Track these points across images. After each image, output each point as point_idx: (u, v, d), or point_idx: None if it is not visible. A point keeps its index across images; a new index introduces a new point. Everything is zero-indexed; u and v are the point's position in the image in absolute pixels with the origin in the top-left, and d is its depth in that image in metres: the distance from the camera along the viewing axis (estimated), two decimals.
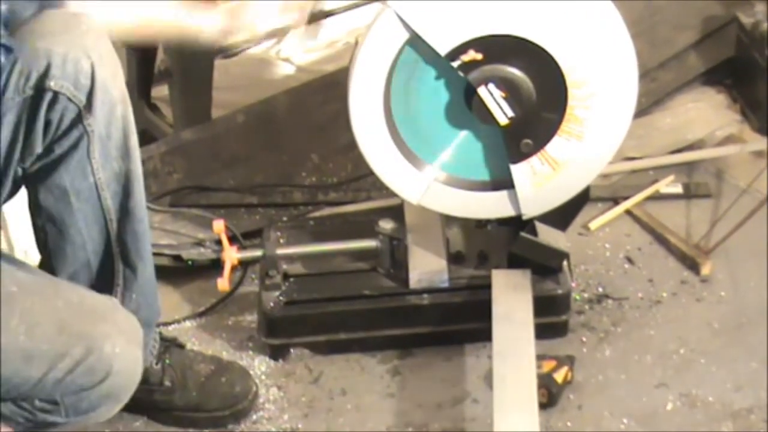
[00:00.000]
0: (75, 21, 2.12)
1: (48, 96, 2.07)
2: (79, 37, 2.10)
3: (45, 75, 2.05)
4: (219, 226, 2.45)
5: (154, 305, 2.32)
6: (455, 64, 2.28)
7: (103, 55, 2.12)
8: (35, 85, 2.05)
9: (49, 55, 2.05)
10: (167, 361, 2.37)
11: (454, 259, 2.53)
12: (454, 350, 2.52)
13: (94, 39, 2.12)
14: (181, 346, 2.43)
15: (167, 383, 2.36)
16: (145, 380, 2.31)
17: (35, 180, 2.14)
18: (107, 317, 1.97)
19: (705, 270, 2.68)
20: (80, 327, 1.93)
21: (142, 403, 2.33)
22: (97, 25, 2.14)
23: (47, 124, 2.09)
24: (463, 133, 2.40)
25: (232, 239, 2.52)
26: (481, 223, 2.58)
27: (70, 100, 2.08)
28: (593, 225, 2.83)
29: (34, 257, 2.30)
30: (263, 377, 2.49)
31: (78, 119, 2.11)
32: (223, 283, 2.46)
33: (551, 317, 2.50)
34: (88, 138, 2.13)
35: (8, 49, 1.98)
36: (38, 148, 2.11)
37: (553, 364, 2.39)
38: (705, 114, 3.17)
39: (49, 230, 2.17)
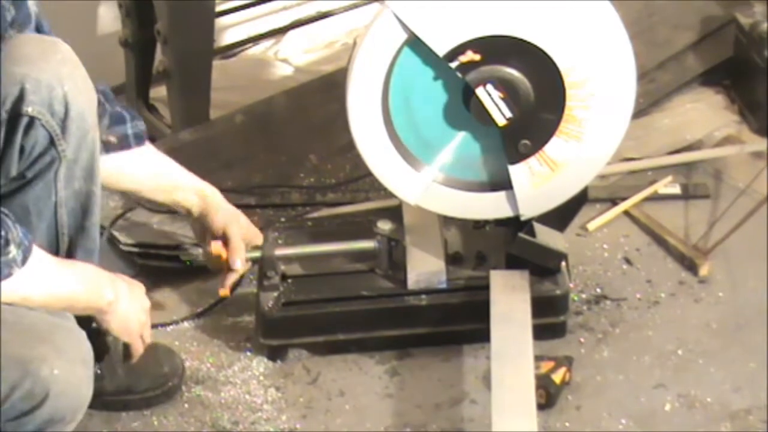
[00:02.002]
0: (52, 48, 2.11)
1: (24, 121, 2.04)
2: (55, 64, 2.08)
3: (20, 100, 2.02)
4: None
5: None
6: (453, 64, 2.28)
7: (78, 84, 2.11)
8: (10, 109, 2.02)
9: (23, 80, 2.02)
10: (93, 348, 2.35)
11: (453, 259, 2.53)
12: (453, 351, 2.52)
13: (71, 68, 2.11)
14: (103, 334, 2.42)
15: (96, 370, 2.33)
16: None
17: None
18: (46, 338, 1.93)
19: (703, 271, 2.68)
20: (16, 349, 1.90)
21: None
22: (73, 54, 2.13)
23: (21, 149, 2.06)
24: (462, 134, 2.40)
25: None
26: (479, 224, 2.58)
27: (44, 126, 2.05)
28: (591, 226, 2.83)
29: None
30: (261, 378, 2.49)
31: (51, 145, 2.09)
32: (224, 289, 2.46)
33: (549, 318, 2.50)
34: (59, 162, 2.11)
35: None
36: (12, 173, 2.08)
37: (551, 364, 2.39)
38: (703, 115, 3.17)
39: None
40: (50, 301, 1.98)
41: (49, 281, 1.98)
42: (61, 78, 2.07)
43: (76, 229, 2.19)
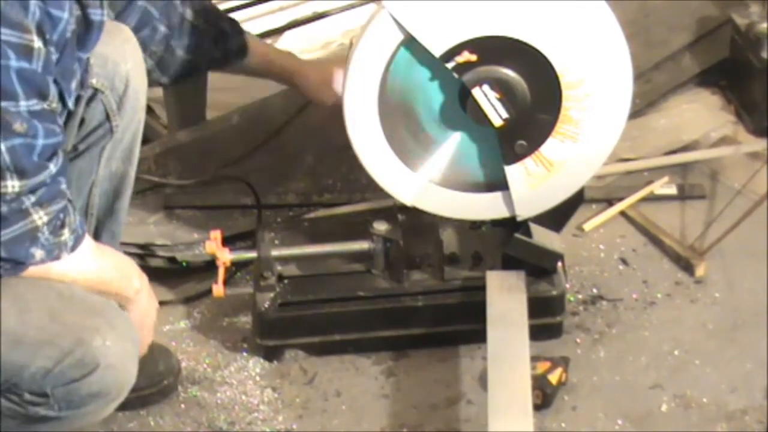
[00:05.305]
0: (116, 29, 2.20)
1: (88, 93, 2.13)
2: (119, 42, 2.18)
3: (86, 73, 2.09)
4: (211, 246, 2.45)
5: None
6: (450, 65, 2.28)
7: (138, 64, 2.21)
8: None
9: (90, 55, 2.08)
10: None
11: (449, 260, 2.53)
12: (449, 351, 2.52)
13: (132, 47, 2.21)
14: None
15: None
16: None
17: None
18: (100, 312, 1.97)
19: (699, 271, 2.68)
20: (71, 318, 1.94)
21: None
22: (133, 36, 2.22)
23: (81, 121, 2.15)
24: (458, 135, 2.40)
25: (226, 241, 2.52)
26: (475, 225, 2.58)
27: (102, 100, 2.14)
28: (588, 226, 2.83)
29: None
30: (258, 378, 2.49)
31: (106, 119, 2.18)
32: (218, 289, 2.45)
33: (546, 318, 2.50)
34: (109, 137, 2.20)
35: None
36: (69, 146, 2.15)
37: (547, 365, 2.39)
38: (699, 115, 3.17)
39: None
40: (90, 284, 2.01)
41: (92, 265, 2.01)
42: (125, 55, 2.18)
43: (105, 210, 2.26)
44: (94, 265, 2.02)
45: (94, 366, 1.93)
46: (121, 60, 2.17)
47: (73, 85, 1.94)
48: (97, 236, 2.27)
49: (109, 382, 1.97)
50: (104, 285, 2.04)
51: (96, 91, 2.15)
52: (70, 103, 1.94)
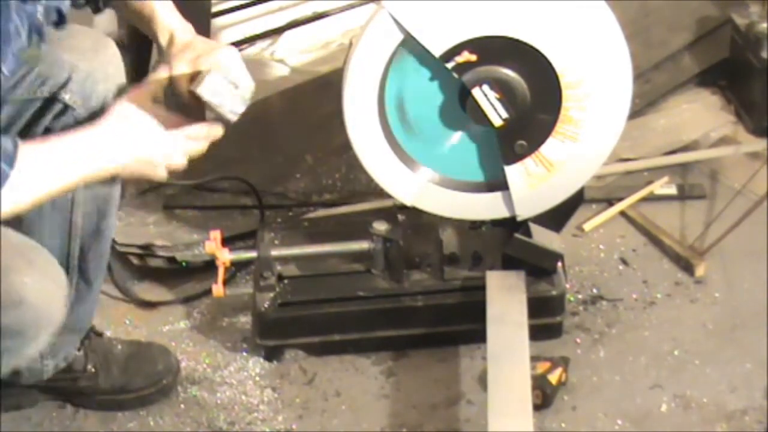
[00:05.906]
0: (104, 44, 2.17)
1: (58, 106, 2.10)
2: (104, 61, 2.15)
3: (63, 86, 2.09)
4: (211, 246, 2.45)
5: (93, 313, 2.38)
6: (449, 65, 2.28)
7: (118, 85, 2.16)
8: (50, 92, 2.08)
9: (71, 70, 2.09)
10: (88, 347, 2.38)
11: (449, 260, 2.53)
12: (449, 351, 2.52)
13: (115, 68, 2.18)
14: (99, 334, 2.44)
15: (90, 368, 2.38)
16: (69, 368, 2.35)
17: None
18: (23, 253, 1.92)
19: (699, 271, 2.68)
20: None
21: (68, 390, 2.37)
22: (119, 56, 2.19)
23: (47, 130, 2.11)
24: (458, 135, 2.40)
25: (226, 241, 2.52)
26: (475, 225, 2.58)
27: (75, 116, 2.10)
28: (587, 226, 2.83)
29: None
30: (257, 378, 2.49)
31: None
32: (218, 289, 2.45)
33: (545, 318, 2.50)
34: None
35: None
36: None
37: (547, 365, 2.39)
38: (699, 115, 3.17)
39: (13, 227, 2.05)
40: (46, 198, 1.91)
41: (29, 194, 1.88)
42: (107, 75, 2.14)
43: (91, 232, 2.23)
44: (31, 193, 1.87)
45: (12, 303, 1.87)
46: (102, 79, 2.13)
47: (16, 45, 1.82)
48: (83, 258, 2.24)
49: (27, 320, 1.91)
50: (70, 187, 1.94)
51: (66, 106, 2.11)
52: (5, 68, 1.81)
